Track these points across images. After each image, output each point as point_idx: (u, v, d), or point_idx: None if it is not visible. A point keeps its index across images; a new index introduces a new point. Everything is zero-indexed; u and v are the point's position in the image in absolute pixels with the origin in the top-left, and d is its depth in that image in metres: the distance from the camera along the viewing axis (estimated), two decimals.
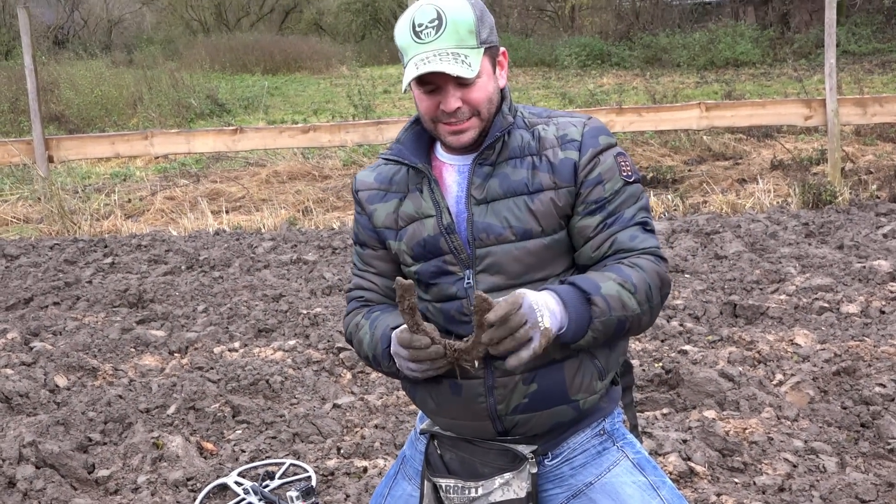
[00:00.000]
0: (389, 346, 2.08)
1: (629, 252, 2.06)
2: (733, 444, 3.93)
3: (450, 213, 2.09)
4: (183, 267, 7.40)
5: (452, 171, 2.14)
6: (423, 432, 2.27)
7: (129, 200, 10.55)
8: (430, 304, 2.14)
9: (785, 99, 10.85)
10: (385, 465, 3.94)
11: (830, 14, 8.51)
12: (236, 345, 5.52)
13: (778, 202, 8.51)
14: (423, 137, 2.18)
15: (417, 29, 1.98)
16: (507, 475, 2.14)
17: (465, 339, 1.96)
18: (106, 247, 8.26)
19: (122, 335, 5.73)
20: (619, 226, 2.06)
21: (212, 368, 5.09)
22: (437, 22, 1.98)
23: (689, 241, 7.17)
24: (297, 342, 5.48)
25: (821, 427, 4.10)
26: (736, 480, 3.73)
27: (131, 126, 16.40)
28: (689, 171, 10.28)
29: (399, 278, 1.90)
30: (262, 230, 8.74)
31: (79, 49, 29.66)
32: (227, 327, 5.85)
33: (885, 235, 6.95)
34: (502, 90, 2.12)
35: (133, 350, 5.54)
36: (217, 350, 5.45)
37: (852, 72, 17.18)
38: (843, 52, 20.84)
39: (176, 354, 5.48)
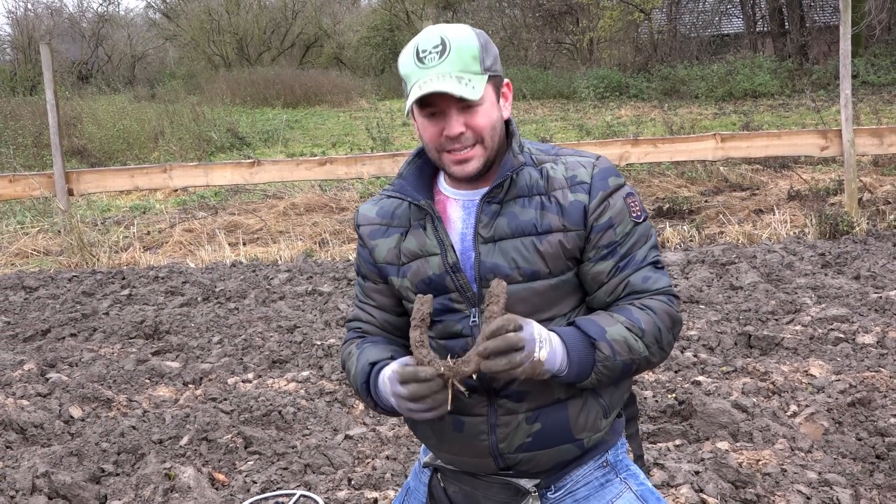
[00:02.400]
0: (367, 381, 2.09)
1: (642, 293, 2.06)
2: (746, 475, 3.89)
3: (454, 251, 2.07)
4: (199, 298, 7.45)
5: (456, 207, 2.12)
6: (426, 465, 2.27)
7: (149, 233, 10.65)
8: (434, 342, 2.12)
9: (801, 130, 10.84)
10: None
11: (845, 45, 8.51)
12: (250, 376, 5.54)
13: (794, 233, 8.48)
14: (425, 171, 2.17)
15: (421, 55, 1.98)
16: None
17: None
18: (124, 279, 8.33)
19: (137, 366, 5.76)
20: (632, 268, 2.06)
21: (225, 399, 5.11)
22: (440, 47, 1.97)
23: (704, 272, 7.15)
24: (311, 373, 5.49)
25: (835, 459, 4.06)
26: None
27: (153, 159, 16.57)
28: (706, 201, 10.26)
29: (419, 294, 1.91)
30: (279, 262, 8.78)
31: (102, 84, 30.07)
32: (241, 358, 5.88)
33: None
34: (509, 126, 2.10)
35: (148, 381, 5.57)
36: (231, 381, 5.47)
37: (871, 102, 17.15)
38: (863, 83, 20.83)
39: (190, 385, 5.51)
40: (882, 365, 5.04)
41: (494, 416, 2.06)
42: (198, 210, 11.73)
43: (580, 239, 2.05)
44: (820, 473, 3.91)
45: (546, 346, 1.88)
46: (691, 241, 8.59)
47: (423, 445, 2.35)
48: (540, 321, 2.02)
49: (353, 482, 4.12)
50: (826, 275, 6.90)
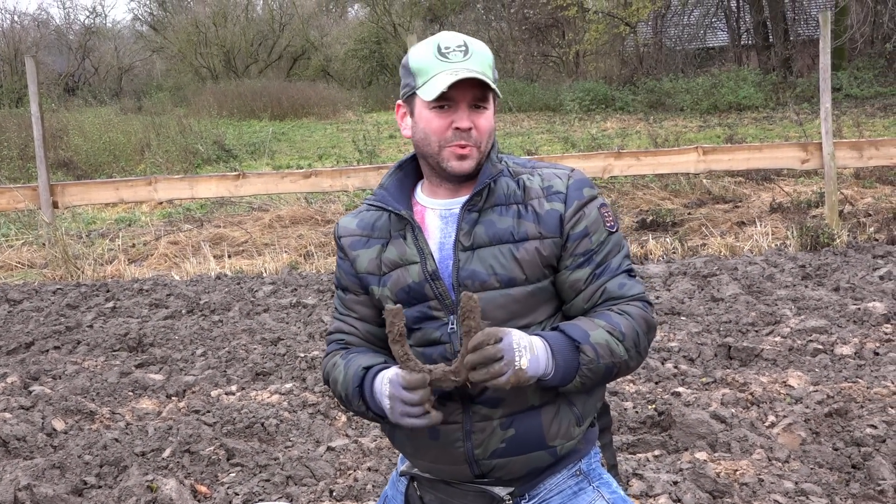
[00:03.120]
0: (360, 385, 2.12)
1: (618, 299, 2.11)
2: (724, 485, 3.93)
3: (433, 259, 2.12)
4: (183, 311, 7.46)
5: (434, 216, 2.17)
6: (402, 474, 2.31)
7: (133, 245, 10.65)
8: (413, 349, 2.15)
9: (782, 143, 10.94)
10: None
11: (825, 59, 8.61)
12: (233, 388, 5.56)
13: (776, 245, 8.55)
14: (405, 183, 2.22)
15: (444, 50, 2.05)
16: None
17: (451, 362, 2.01)
18: (108, 291, 8.33)
19: (120, 379, 5.77)
20: (608, 275, 2.12)
21: (208, 412, 5.12)
22: (464, 48, 2.06)
23: (686, 284, 7.20)
24: (294, 385, 5.51)
25: (812, 468, 4.10)
26: None
27: (139, 171, 16.57)
28: (689, 214, 10.34)
29: (387, 306, 1.95)
30: (264, 274, 8.80)
31: (88, 96, 30.06)
32: (224, 371, 5.89)
33: (881, 277, 6.98)
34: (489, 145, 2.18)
35: (131, 393, 5.58)
36: (214, 393, 5.48)
37: (854, 115, 17.30)
38: (846, 96, 21.02)
39: (173, 398, 5.52)
40: (859, 376, 5.10)
41: (469, 422, 2.10)
42: (183, 222, 11.74)
43: (556, 247, 2.10)
44: (797, 483, 3.96)
45: (526, 353, 1.93)
46: (674, 252, 8.65)
47: (400, 454, 2.38)
48: (517, 327, 2.06)
49: (334, 494, 4.14)
50: (806, 286, 6.96)
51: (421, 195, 2.22)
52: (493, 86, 2.05)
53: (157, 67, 45.16)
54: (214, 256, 9.46)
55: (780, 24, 26.81)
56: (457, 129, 2.06)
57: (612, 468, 2.36)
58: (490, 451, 2.10)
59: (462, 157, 2.08)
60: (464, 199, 2.14)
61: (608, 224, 2.14)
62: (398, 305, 1.95)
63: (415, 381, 1.95)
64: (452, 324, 2.10)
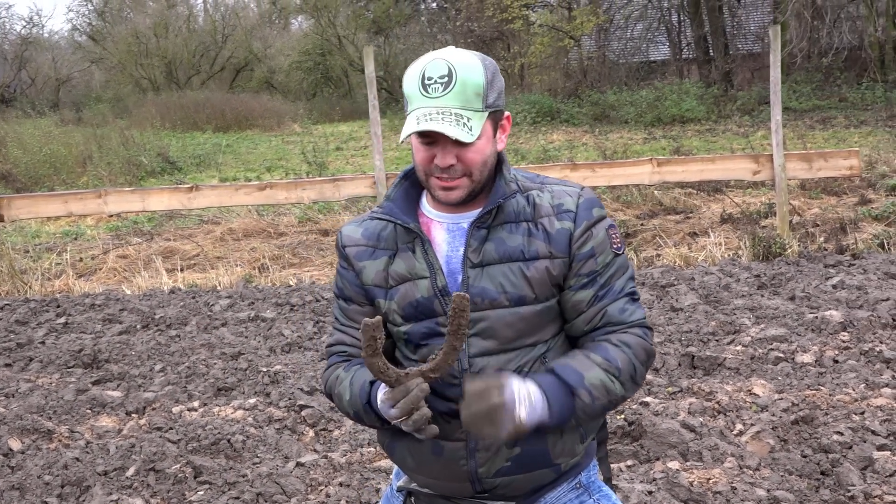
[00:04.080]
0: (369, 400, 2.08)
1: (618, 325, 2.09)
2: (698, 494, 3.96)
3: (443, 275, 2.08)
4: (138, 326, 7.31)
5: (441, 230, 2.13)
6: (400, 489, 2.27)
7: (81, 259, 10.43)
8: (418, 365, 2.12)
9: (733, 154, 11.12)
10: None
11: (775, 73, 8.77)
12: (195, 404, 5.45)
13: (729, 255, 8.67)
14: (411, 194, 2.17)
15: (426, 82, 1.98)
16: None
17: (431, 357, 1.98)
18: (59, 306, 8.13)
19: (77, 396, 5.62)
20: (610, 298, 2.10)
21: (171, 429, 5.02)
22: (446, 79, 1.97)
23: (645, 294, 7.26)
24: (258, 400, 5.43)
25: (782, 476, 4.15)
26: None
27: (81, 184, 16.26)
28: (642, 225, 10.45)
29: (366, 319, 1.90)
30: (218, 287, 8.67)
31: (27, 107, 29.44)
32: (185, 386, 5.78)
33: (834, 286, 7.11)
34: (500, 161, 2.12)
35: (89, 411, 5.44)
36: (176, 410, 5.37)
37: (795, 128, 17.67)
38: (785, 109, 21.43)
39: (133, 415, 5.40)
40: (821, 383, 5.18)
41: (474, 441, 2.07)
42: (132, 236, 11.53)
43: (565, 266, 2.07)
44: (769, 491, 4.00)
45: (525, 402, 1.93)
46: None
47: (395, 469, 2.34)
48: (524, 346, 2.06)
49: None
50: (762, 296, 7.06)
51: (427, 207, 2.17)
52: (459, 134, 1.93)
53: (96, 78, 44.45)
54: (166, 270, 9.30)
55: (720, 39, 27.32)
56: (437, 165, 2.02)
57: (608, 481, 2.36)
58: (494, 471, 2.08)
59: (447, 189, 2.04)
60: (471, 213, 2.10)
61: (615, 246, 2.12)
62: (378, 318, 1.91)
63: (397, 395, 1.93)
64: None
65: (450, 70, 1.98)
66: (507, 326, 2.05)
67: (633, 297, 2.13)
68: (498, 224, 2.07)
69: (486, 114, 2.00)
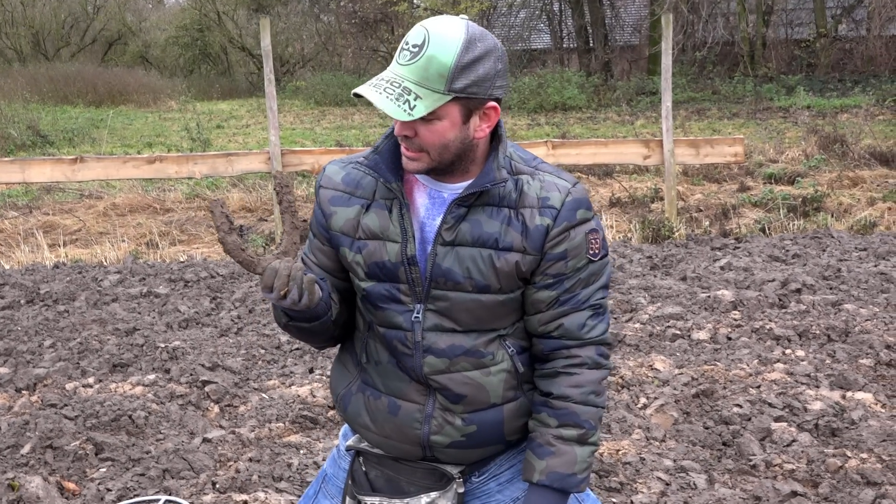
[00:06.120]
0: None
1: (574, 341, 2.06)
2: (609, 465, 4.06)
3: (415, 243, 2.02)
4: (22, 301, 6.98)
5: (422, 193, 2.06)
6: (349, 448, 2.24)
7: None
8: (376, 326, 2.10)
9: (625, 139, 11.39)
10: (266, 499, 3.83)
11: (667, 60, 9.02)
12: (91, 380, 5.25)
13: (619, 237, 8.89)
14: (397, 150, 2.07)
15: (403, 46, 1.90)
16: (433, 494, 2.15)
17: (277, 242, 1.97)
18: None
19: None
20: (571, 306, 2.04)
21: (66, 405, 4.82)
22: (416, 49, 1.88)
23: None
24: (158, 376, 5.26)
25: (687, 447, 4.29)
26: (614, 500, 3.85)
27: None
28: None
29: (211, 198, 1.88)
30: (105, 263, 8.36)
31: None
32: (78, 363, 5.56)
33: (721, 268, 7.37)
34: (498, 131, 2.03)
35: None
36: (70, 386, 5.16)
37: (674, 117, 18.21)
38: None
39: (24, 392, 5.16)
40: (717, 359, 5.37)
41: (431, 406, 2.07)
42: (7, 210, 10.98)
43: (535, 263, 2.02)
44: (675, 461, 4.13)
45: None
46: None
47: (343, 429, 2.32)
48: (481, 330, 2.05)
49: (217, 486, 3.99)
50: (655, 276, 7.27)
51: None
52: (395, 112, 1.85)
53: None
54: (48, 245, 8.91)
55: (600, 29, 27.91)
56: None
57: None
58: (447, 443, 2.08)
59: (409, 159, 1.98)
60: (456, 185, 2.04)
61: (591, 252, 2.04)
62: (221, 198, 1.88)
63: (268, 280, 1.87)
64: (418, 313, 2.04)
65: (424, 41, 1.88)
66: (467, 311, 2.03)
67: (597, 309, 2.08)
68: (479, 205, 2.00)
69: (449, 97, 1.89)
